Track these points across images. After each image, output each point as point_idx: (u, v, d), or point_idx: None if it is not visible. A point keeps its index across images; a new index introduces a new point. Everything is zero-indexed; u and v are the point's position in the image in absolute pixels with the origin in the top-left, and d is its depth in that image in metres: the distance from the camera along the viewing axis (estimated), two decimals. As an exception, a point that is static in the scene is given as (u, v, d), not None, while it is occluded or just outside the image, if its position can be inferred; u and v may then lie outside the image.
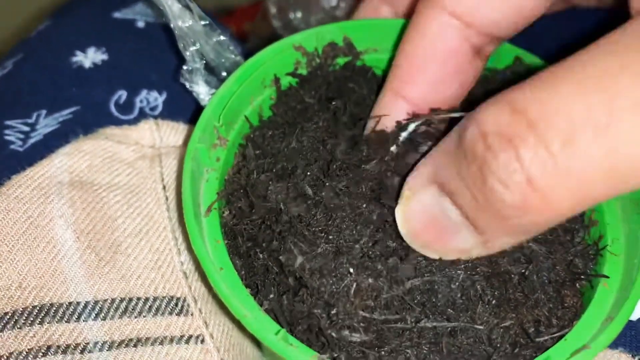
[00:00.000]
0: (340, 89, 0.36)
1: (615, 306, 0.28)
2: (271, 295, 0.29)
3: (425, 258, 0.29)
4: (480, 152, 0.23)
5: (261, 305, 0.28)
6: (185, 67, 0.35)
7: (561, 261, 0.30)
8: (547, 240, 0.31)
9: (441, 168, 0.26)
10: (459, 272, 0.28)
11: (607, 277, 0.29)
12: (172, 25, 0.33)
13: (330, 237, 0.29)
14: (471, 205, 0.25)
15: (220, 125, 0.32)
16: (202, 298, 0.35)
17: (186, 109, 0.42)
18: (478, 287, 0.28)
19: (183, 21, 0.33)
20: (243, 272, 0.29)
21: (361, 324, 0.27)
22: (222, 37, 0.34)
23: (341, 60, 0.38)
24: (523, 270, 0.29)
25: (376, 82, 0.37)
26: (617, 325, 0.26)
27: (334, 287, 0.27)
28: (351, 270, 0.27)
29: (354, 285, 0.27)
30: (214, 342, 0.33)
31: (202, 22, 0.34)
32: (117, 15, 0.46)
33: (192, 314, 0.34)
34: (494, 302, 0.28)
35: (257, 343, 0.38)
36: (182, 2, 0.33)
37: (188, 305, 0.34)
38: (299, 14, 0.51)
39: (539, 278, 0.30)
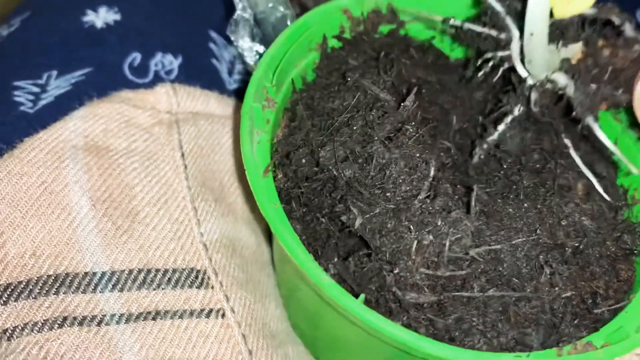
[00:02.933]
0: (385, 53, 0.36)
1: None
2: (335, 259, 0.28)
3: (485, 221, 0.29)
4: None
5: (326, 270, 0.27)
6: (234, 17, 0.33)
7: (610, 237, 0.31)
8: (597, 216, 0.32)
9: None
10: (524, 242, 0.29)
11: (659, 252, 0.30)
12: None
13: (388, 194, 0.28)
14: None
15: (272, 86, 0.32)
16: (222, 271, 0.34)
17: (203, 73, 0.41)
18: (541, 257, 0.29)
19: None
20: (303, 238, 0.29)
21: (425, 282, 0.27)
22: (275, -14, 0.33)
23: (384, 28, 0.38)
24: (577, 244, 0.30)
25: (419, 51, 0.37)
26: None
27: (394, 245, 0.27)
28: (411, 227, 0.27)
29: (415, 243, 0.27)
30: (234, 316, 0.33)
31: None
32: None
33: (212, 287, 0.33)
34: (557, 271, 0.28)
35: (280, 318, 0.37)
36: None
37: (208, 278, 0.33)
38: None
39: (592, 251, 0.30)
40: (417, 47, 0.37)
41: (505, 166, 0.32)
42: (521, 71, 0.29)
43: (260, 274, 0.36)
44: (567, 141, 0.30)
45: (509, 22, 0.29)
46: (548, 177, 0.32)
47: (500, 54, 0.31)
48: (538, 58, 0.28)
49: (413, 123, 0.29)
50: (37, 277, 0.31)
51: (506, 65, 0.31)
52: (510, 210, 0.30)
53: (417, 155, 0.28)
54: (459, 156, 0.34)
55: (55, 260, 0.31)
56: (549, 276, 0.28)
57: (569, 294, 0.28)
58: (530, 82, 0.29)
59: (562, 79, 0.28)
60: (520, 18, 0.30)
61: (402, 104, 0.30)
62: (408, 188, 0.28)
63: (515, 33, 0.29)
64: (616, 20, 0.27)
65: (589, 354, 0.26)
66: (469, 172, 0.33)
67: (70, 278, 0.31)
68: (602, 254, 0.31)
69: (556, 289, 0.28)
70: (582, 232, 0.31)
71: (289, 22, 0.36)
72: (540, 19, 0.27)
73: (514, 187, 0.31)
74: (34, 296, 0.30)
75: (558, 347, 0.26)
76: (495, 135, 0.32)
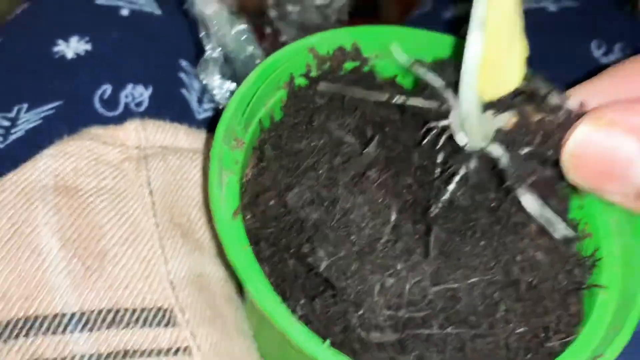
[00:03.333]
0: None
1: (617, 315, 0.31)
2: (302, 301, 0.29)
3: (444, 260, 0.30)
4: None
5: (294, 311, 0.29)
6: (204, 57, 0.34)
7: (562, 270, 0.33)
8: (550, 251, 0.34)
9: None
10: (480, 280, 0.30)
11: (605, 287, 0.32)
12: (196, 11, 0.33)
13: (352, 237, 0.29)
14: None
15: (241, 127, 0.32)
16: (189, 308, 0.35)
17: (172, 105, 0.42)
18: (496, 295, 0.30)
19: (209, 8, 0.32)
20: (272, 279, 0.30)
21: (387, 322, 0.28)
22: (243, 26, 0.34)
23: (349, 65, 0.39)
24: (531, 279, 0.32)
25: (380, 87, 0.39)
26: (625, 335, 0.29)
27: (359, 287, 0.28)
28: (374, 270, 0.28)
29: (378, 285, 0.28)
30: (201, 354, 0.34)
31: (228, 10, 0.33)
32: (100, 1, 0.44)
33: (179, 325, 0.34)
34: (511, 309, 0.30)
35: (248, 350, 0.38)
36: None
37: (175, 316, 0.34)
38: (297, 8, 0.51)
39: (545, 286, 0.32)
40: (380, 85, 0.38)
41: (460, 205, 0.34)
42: (460, 140, 0.30)
43: (228, 308, 0.37)
44: (521, 193, 0.32)
45: (448, 94, 0.30)
46: (503, 215, 0.34)
47: (441, 123, 0.32)
48: (473, 129, 0.29)
49: (375, 168, 0.31)
50: (8, 321, 0.31)
51: (447, 134, 0.32)
52: (467, 248, 0.31)
53: (380, 200, 0.30)
54: (421, 192, 0.36)
55: (25, 303, 0.32)
56: (503, 313, 0.30)
57: (522, 329, 0.30)
58: (467, 150, 0.30)
59: (496, 151, 0.29)
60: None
61: (364, 150, 0.31)
62: (371, 232, 0.29)
63: (454, 104, 0.30)
64: (542, 91, 0.29)
65: (539, 389, 0.28)
66: (432, 209, 0.35)
67: (40, 320, 0.32)
68: (555, 287, 0.32)
69: (510, 325, 0.30)
70: (536, 266, 0.33)
71: (258, 61, 0.37)
72: (470, 98, 0.28)
73: (472, 224, 0.33)
74: (4, 340, 0.31)
75: (510, 383, 0.28)
76: (447, 195, 0.33)
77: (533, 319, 0.31)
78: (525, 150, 0.29)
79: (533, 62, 0.50)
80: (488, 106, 0.30)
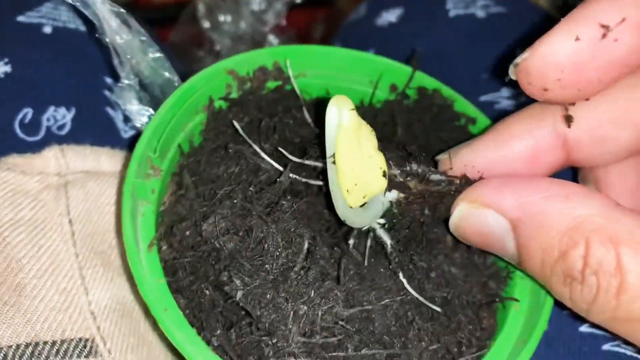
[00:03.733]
0: (270, 112, 0.38)
1: (526, 328, 0.32)
2: (218, 331, 0.30)
3: (358, 282, 0.31)
4: (575, 271, 0.27)
5: (208, 342, 0.29)
6: (120, 84, 0.34)
7: (477, 283, 0.34)
8: (465, 264, 0.35)
9: (525, 225, 0.28)
10: (392, 301, 0.31)
11: (518, 300, 0.34)
12: (108, 41, 0.33)
13: (267, 266, 0.30)
14: (535, 269, 0.29)
15: (156, 156, 0.32)
16: (111, 337, 0.35)
17: (96, 125, 0.41)
18: (409, 314, 0.31)
19: (120, 37, 0.32)
20: (187, 311, 0.30)
21: (301, 350, 0.29)
22: (158, 54, 0.34)
23: (271, 84, 0.39)
24: (445, 294, 0.33)
25: (304, 106, 0.39)
26: (531, 347, 0.31)
27: (273, 315, 0.29)
28: (288, 298, 0.29)
29: (292, 313, 0.29)
30: None
31: (140, 38, 0.33)
32: (21, 19, 0.43)
33: (101, 355, 0.34)
34: (423, 328, 0.31)
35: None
36: (120, 17, 0.32)
37: (97, 346, 0.34)
38: (229, 18, 0.51)
39: (459, 301, 0.33)
40: (301, 104, 0.39)
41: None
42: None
43: (151, 334, 0.37)
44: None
45: None
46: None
47: None
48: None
49: (289, 197, 0.31)
50: None
51: None
52: (382, 269, 0.32)
53: (292, 229, 0.30)
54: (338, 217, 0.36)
55: None
56: (417, 331, 0.31)
57: (435, 346, 0.31)
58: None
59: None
60: None
61: (278, 179, 0.32)
62: (285, 261, 0.30)
63: None
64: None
65: (448, 406, 0.29)
66: (352, 229, 0.36)
67: None
68: (469, 301, 0.34)
69: (422, 343, 0.31)
70: (451, 281, 0.34)
71: (176, 84, 0.37)
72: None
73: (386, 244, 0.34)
74: None
75: (421, 400, 0.29)
76: (350, 243, 0.34)
77: (446, 335, 0.32)
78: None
79: (463, 67, 0.51)
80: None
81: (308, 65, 0.40)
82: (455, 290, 0.33)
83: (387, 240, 0.33)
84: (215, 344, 0.29)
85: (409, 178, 0.32)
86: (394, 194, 0.32)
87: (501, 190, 0.30)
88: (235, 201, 0.31)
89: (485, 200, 0.30)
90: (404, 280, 0.32)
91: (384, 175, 0.31)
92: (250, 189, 0.31)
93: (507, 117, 0.33)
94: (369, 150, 0.30)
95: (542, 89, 0.30)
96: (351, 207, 0.31)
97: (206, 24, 0.55)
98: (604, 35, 0.28)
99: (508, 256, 0.31)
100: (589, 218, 0.27)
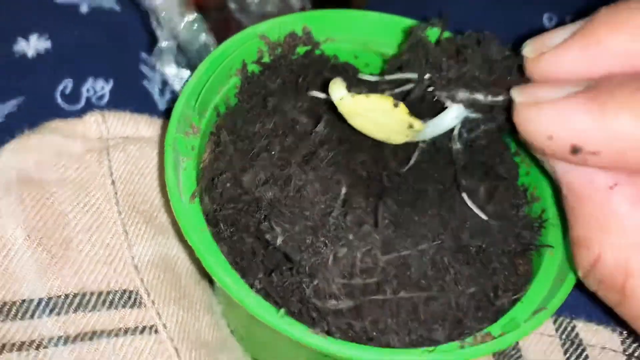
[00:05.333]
0: (302, 74, 0.39)
1: (561, 270, 0.33)
2: (260, 275, 0.31)
3: (394, 230, 0.32)
4: None
5: (251, 286, 0.30)
6: (158, 46, 0.35)
7: (511, 233, 0.35)
8: (499, 215, 0.35)
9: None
10: (429, 247, 0.32)
11: (552, 246, 0.34)
12: (145, 3, 0.34)
13: (306, 212, 0.31)
14: None
15: (194, 115, 0.34)
16: (154, 289, 0.36)
17: (134, 97, 0.42)
18: (445, 259, 0.32)
19: (157, -1, 0.33)
20: (230, 257, 0.31)
21: (342, 291, 0.29)
22: (194, 15, 0.35)
23: (301, 50, 0.40)
24: (480, 243, 0.34)
25: (334, 70, 0.40)
26: (566, 288, 0.31)
27: (312, 259, 0.29)
28: (327, 242, 0.30)
29: (331, 257, 0.29)
30: (167, 332, 0.35)
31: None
32: (59, 0, 0.45)
33: (145, 306, 0.35)
34: (460, 272, 0.32)
35: (215, 326, 0.40)
36: None
37: (141, 297, 0.35)
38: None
39: (495, 249, 0.34)
40: (331, 68, 0.39)
41: (411, 177, 0.36)
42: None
43: (195, 288, 0.38)
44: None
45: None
46: (452, 184, 0.35)
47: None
48: None
49: (326, 146, 0.32)
50: None
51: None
52: (417, 218, 0.33)
53: (329, 176, 0.31)
54: (375, 168, 0.37)
55: None
56: (453, 276, 0.32)
57: (472, 290, 0.32)
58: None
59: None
60: None
61: (314, 130, 0.33)
62: (323, 207, 0.31)
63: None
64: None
65: (487, 343, 0.29)
66: (384, 182, 0.37)
67: (7, 306, 0.33)
68: (504, 250, 0.34)
69: (459, 286, 0.32)
70: (485, 231, 0.34)
71: (211, 49, 0.38)
72: None
73: (422, 195, 0.35)
74: None
75: (460, 340, 0.30)
76: (412, 161, 0.35)
77: (482, 280, 0.32)
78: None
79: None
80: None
81: (337, 30, 0.40)
82: (490, 240, 0.34)
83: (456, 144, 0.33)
84: (258, 287, 0.30)
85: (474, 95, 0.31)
86: (458, 111, 0.32)
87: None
88: (273, 153, 0.32)
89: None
90: (464, 195, 0.32)
91: (411, 127, 0.32)
92: (288, 139, 0.32)
93: (595, 15, 0.28)
94: (384, 114, 0.31)
95: None
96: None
97: (233, 5, 0.57)
98: None
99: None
100: None
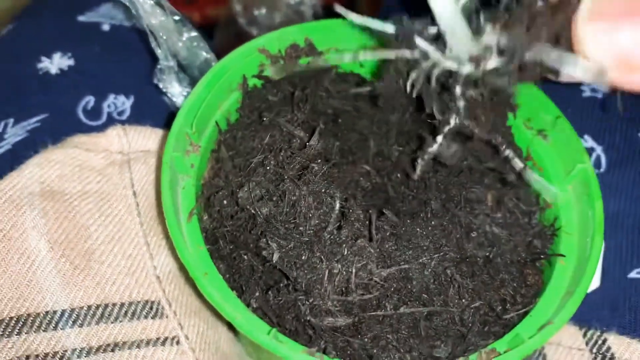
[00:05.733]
0: (303, 87, 0.38)
1: (572, 282, 0.31)
2: (257, 294, 0.30)
3: (394, 242, 0.31)
4: None
5: (248, 305, 0.30)
6: (158, 66, 0.36)
7: (521, 242, 0.33)
8: (508, 224, 0.34)
9: None
10: (430, 259, 0.31)
11: (564, 255, 0.32)
12: (143, 24, 0.34)
13: (301, 228, 0.30)
14: None
15: (192, 132, 0.34)
16: (176, 300, 0.36)
17: (154, 112, 0.43)
18: (448, 272, 0.31)
19: (155, 18, 0.33)
20: (227, 276, 0.31)
21: (337, 308, 0.29)
22: (193, 33, 0.35)
23: (303, 61, 0.39)
24: (487, 254, 0.32)
25: (337, 79, 0.39)
26: (576, 300, 0.29)
27: (308, 276, 0.29)
28: (322, 258, 0.29)
29: (326, 273, 0.29)
30: (189, 343, 0.35)
31: (174, 18, 0.34)
32: (81, 18, 0.46)
33: (167, 317, 0.35)
34: (463, 285, 0.31)
35: (233, 340, 0.40)
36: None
37: (163, 308, 0.35)
38: (263, 11, 0.52)
39: (502, 260, 0.32)
40: (333, 78, 0.39)
41: (415, 186, 0.35)
42: (452, 65, 0.28)
43: None
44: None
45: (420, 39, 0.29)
46: (457, 192, 0.34)
47: (424, 64, 0.31)
48: (462, 39, 0.27)
49: (319, 160, 0.32)
50: (0, 320, 0.33)
51: (435, 72, 0.30)
52: (418, 229, 0.32)
53: (323, 190, 0.31)
54: (378, 178, 0.36)
55: (16, 303, 0.34)
56: (457, 289, 0.31)
57: (477, 303, 0.30)
58: (465, 70, 0.28)
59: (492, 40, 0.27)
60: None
61: (307, 143, 0.32)
62: (317, 222, 0.30)
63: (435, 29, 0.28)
64: None
65: (492, 360, 0.28)
66: (389, 193, 0.36)
67: (32, 318, 0.33)
68: (513, 260, 0.33)
69: (464, 300, 0.30)
70: (492, 241, 0.33)
71: (213, 64, 0.38)
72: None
73: (424, 206, 0.34)
74: None
75: (464, 356, 0.28)
76: (434, 147, 0.33)
77: (488, 292, 0.31)
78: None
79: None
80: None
81: (339, 40, 0.40)
82: (498, 249, 0.32)
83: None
84: (255, 306, 0.30)
85: None
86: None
87: None
88: (268, 168, 0.32)
89: None
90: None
91: None
92: (281, 154, 0.32)
93: None
94: None
95: None
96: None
97: (243, 20, 0.57)
98: None
99: None
100: None
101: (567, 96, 0.42)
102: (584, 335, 0.36)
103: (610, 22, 0.24)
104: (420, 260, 0.30)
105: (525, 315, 0.31)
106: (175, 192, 0.32)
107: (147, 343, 0.34)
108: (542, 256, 0.33)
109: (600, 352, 0.35)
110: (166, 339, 0.35)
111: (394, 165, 0.36)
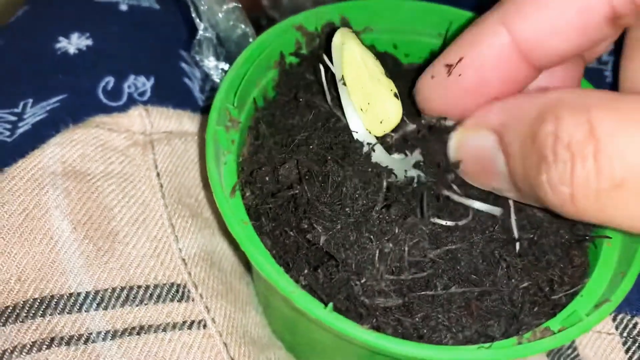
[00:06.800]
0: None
1: (621, 262, 0.30)
2: (305, 271, 0.29)
3: (442, 217, 0.30)
4: (546, 149, 0.24)
5: (297, 281, 0.29)
6: (197, 37, 0.35)
7: (564, 225, 0.33)
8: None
9: (507, 127, 0.28)
10: (478, 240, 0.30)
11: (610, 237, 0.32)
12: None
13: (347, 209, 0.29)
14: (518, 173, 0.27)
15: (234, 108, 0.33)
16: (202, 283, 0.35)
17: (175, 94, 0.42)
18: (496, 253, 0.30)
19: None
20: (274, 252, 0.30)
21: (390, 287, 0.28)
22: (233, 4, 0.34)
23: (338, 40, 0.39)
24: (532, 235, 0.32)
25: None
26: (630, 279, 0.29)
27: (359, 256, 0.28)
28: (372, 238, 0.28)
29: (377, 252, 0.28)
30: (215, 326, 0.34)
31: None
32: None
33: (193, 300, 0.34)
34: (511, 265, 0.30)
35: (260, 324, 0.39)
36: None
37: (189, 291, 0.34)
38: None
39: (547, 241, 0.32)
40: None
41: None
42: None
43: (239, 283, 0.37)
44: None
45: None
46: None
47: None
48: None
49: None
50: (24, 301, 0.32)
51: None
52: (463, 210, 0.31)
53: (370, 170, 0.30)
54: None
55: (40, 284, 0.32)
56: (505, 269, 0.30)
57: (525, 284, 0.30)
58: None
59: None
60: None
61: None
62: (364, 202, 0.29)
63: None
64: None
65: (547, 339, 0.27)
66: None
67: (55, 300, 0.32)
68: (557, 242, 0.32)
69: (513, 280, 0.30)
70: (536, 224, 0.32)
71: (250, 40, 0.37)
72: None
73: (468, 186, 0.33)
74: (21, 319, 0.31)
75: (518, 336, 0.28)
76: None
77: (536, 273, 0.30)
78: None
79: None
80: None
81: (375, 20, 0.39)
82: (542, 232, 0.32)
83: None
84: (303, 283, 0.29)
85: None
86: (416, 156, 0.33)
87: (489, 107, 0.30)
88: (311, 147, 0.31)
89: (473, 122, 0.30)
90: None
91: (396, 96, 0.32)
92: (328, 134, 0.31)
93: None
94: (377, 74, 0.32)
95: None
96: (373, 135, 0.32)
97: (265, 2, 0.56)
98: (449, 72, 0.31)
99: (501, 176, 0.29)
100: (560, 96, 0.25)
101: None
102: (614, 319, 0.36)
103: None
104: (468, 241, 0.30)
105: (574, 296, 0.30)
106: (219, 167, 0.30)
107: (173, 327, 0.33)
108: (587, 238, 0.32)
109: (631, 336, 0.35)
110: (192, 322, 0.33)
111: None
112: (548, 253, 0.31)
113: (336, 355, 0.32)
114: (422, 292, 0.29)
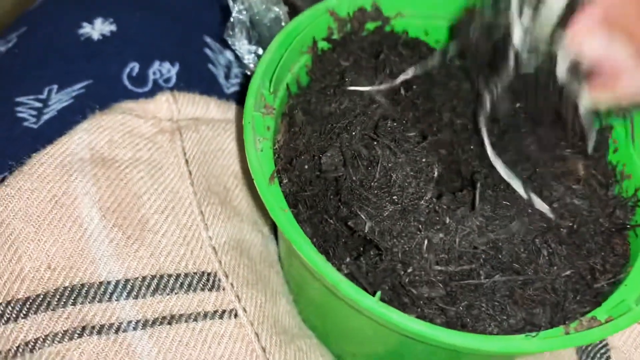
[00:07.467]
0: (373, 52, 0.37)
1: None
2: (347, 259, 0.29)
3: (492, 208, 0.30)
4: None
5: (339, 270, 0.28)
6: (231, 20, 0.34)
7: (602, 214, 0.32)
8: (586, 196, 0.32)
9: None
10: (518, 229, 0.30)
11: (651, 225, 0.31)
12: None
13: (395, 197, 0.28)
14: None
15: (270, 94, 0.32)
16: (233, 272, 0.34)
17: (200, 79, 0.41)
18: (537, 241, 0.30)
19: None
20: (314, 240, 0.29)
21: (438, 278, 0.27)
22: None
23: (370, 25, 0.38)
24: (571, 224, 0.31)
25: (406, 46, 0.38)
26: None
27: (406, 246, 0.27)
28: (420, 227, 0.27)
29: (426, 242, 0.27)
30: (247, 315, 0.33)
31: None
32: None
33: (224, 289, 0.33)
34: (556, 252, 0.29)
35: (291, 313, 0.38)
36: None
37: (219, 280, 0.33)
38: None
39: (587, 229, 0.31)
40: (404, 43, 0.37)
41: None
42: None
43: (269, 272, 0.36)
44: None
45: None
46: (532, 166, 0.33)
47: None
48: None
49: (416, 128, 0.30)
50: (54, 290, 0.31)
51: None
52: (502, 200, 0.30)
53: (422, 159, 0.29)
54: (456, 147, 0.35)
55: (70, 272, 0.31)
56: (547, 257, 0.29)
57: (568, 272, 0.29)
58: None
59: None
60: None
61: (398, 109, 0.31)
62: (414, 191, 0.28)
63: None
64: None
65: (596, 329, 0.27)
66: (470, 162, 0.34)
67: (86, 288, 0.31)
68: (597, 230, 0.31)
69: (555, 268, 0.29)
70: (574, 212, 0.32)
71: (283, 23, 0.37)
72: None
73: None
74: (52, 308, 0.30)
75: (565, 325, 0.27)
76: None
77: (577, 261, 0.30)
78: None
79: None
80: None
81: (407, 5, 0.38)
82: (581, 220, 0.31)
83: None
84: (345, 272, 0.28)
85: None
86: None
87: None
88: (354, 133, 0.30)
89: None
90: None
91: None
92: (370, 120, 0.30)
93: None
94: None
95: None
96: None
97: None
98: None
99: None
100: None
101: None
102: None
103: None
104: (509, 230, 0.29)
105: (616, 284, 0.29)
106: (257, 153, 0.30)
107: (205, 316, 0.32)
108: (627, 226, 0.32)
109: None
110: (224, 311, 0.33)
111: (470, 135, 0.35)
112: (588, 241, 0.31)
113: (373, 342, 0.32)
114: (465, 281, 0.28)
